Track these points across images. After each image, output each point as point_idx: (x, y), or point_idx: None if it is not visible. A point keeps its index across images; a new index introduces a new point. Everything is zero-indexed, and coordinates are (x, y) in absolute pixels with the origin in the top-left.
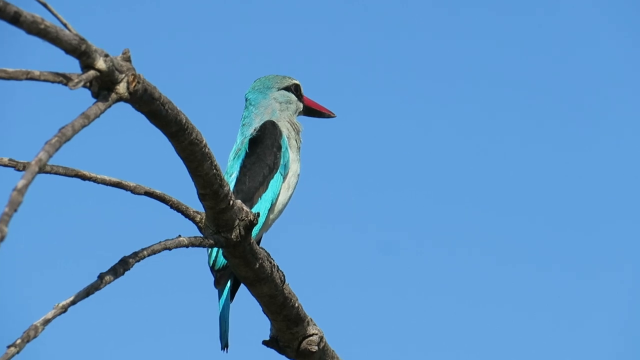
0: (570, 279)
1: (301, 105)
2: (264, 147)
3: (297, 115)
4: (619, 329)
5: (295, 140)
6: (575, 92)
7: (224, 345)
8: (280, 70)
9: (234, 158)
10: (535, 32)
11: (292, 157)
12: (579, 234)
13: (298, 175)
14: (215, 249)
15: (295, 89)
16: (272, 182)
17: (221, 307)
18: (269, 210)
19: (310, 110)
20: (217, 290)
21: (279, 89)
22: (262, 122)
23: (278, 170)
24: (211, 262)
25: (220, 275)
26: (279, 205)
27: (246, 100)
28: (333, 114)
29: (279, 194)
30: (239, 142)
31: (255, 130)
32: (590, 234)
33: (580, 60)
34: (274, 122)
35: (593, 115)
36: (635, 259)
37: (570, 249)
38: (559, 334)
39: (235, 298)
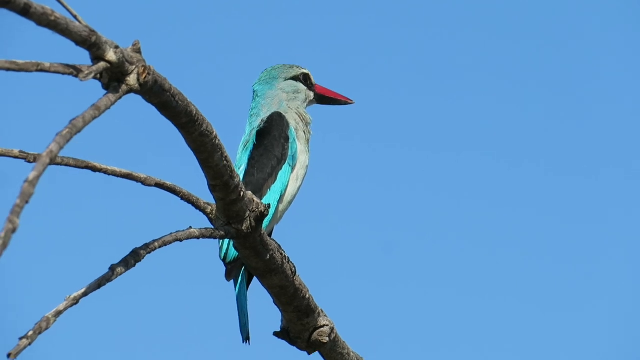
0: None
1: (311, 94)
2: (271, 139)
3: (308, 105)
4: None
5: (304, 132)
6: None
7: (245, 338)
8: (292, 61)
9: (242, 150)
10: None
11: (300, 149)
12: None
13: (307, 167)
14: (226, 242)
15: (304, 78)
16: (280, 173)
17: (238, 299)
18: (278, 201)
19: (324, 99)
20: (233, 283)
21: (286, 79)
22: (270, 113)
23: (286, 162)
24: (222, 255)
25: (231, 268)
26: (287, 197)
27: (253, 92)
28: (350, 100)
29: (287, 185)
30: (247, 134)
31: (262, 121)
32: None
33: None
34: (281, 113)
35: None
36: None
37: (571, 241)
38: (561, 329)
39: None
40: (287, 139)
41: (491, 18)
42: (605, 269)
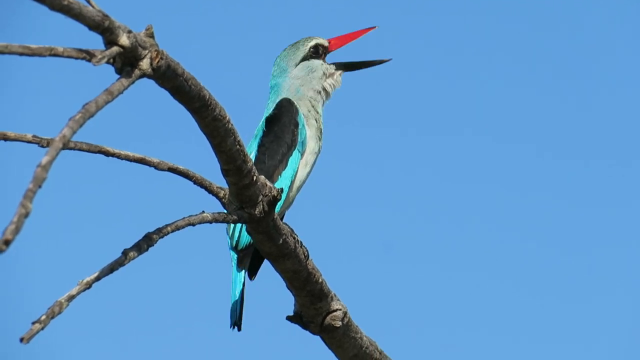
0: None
1: (332, 68)
2: (281, 125)
3: (331, 76)
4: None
5: (315, 120)
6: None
7: (234, 324)
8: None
9: (253, 138)
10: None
11: (309, 134)
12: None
13: (316, 153)
14: (237, 230)
15: (316, 51)
16: (290, 159)
17: (234, 284)
18: (289, 187)
19: (353, 65)
20: (231, 268)
21: (297, 64)
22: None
23: (296, 148)
24: (234, 243)
25: (243, 255)
26: (297, 182)
27: (270, 88)
28: (385, 58)
29: (297, 171)
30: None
31: (272, 108)
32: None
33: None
34: (289, 99)
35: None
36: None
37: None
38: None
39: (258, 274)
40: (296, 125)
41: (508, 5)
42: (608, 264)
